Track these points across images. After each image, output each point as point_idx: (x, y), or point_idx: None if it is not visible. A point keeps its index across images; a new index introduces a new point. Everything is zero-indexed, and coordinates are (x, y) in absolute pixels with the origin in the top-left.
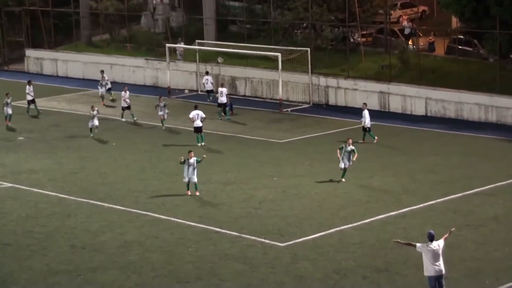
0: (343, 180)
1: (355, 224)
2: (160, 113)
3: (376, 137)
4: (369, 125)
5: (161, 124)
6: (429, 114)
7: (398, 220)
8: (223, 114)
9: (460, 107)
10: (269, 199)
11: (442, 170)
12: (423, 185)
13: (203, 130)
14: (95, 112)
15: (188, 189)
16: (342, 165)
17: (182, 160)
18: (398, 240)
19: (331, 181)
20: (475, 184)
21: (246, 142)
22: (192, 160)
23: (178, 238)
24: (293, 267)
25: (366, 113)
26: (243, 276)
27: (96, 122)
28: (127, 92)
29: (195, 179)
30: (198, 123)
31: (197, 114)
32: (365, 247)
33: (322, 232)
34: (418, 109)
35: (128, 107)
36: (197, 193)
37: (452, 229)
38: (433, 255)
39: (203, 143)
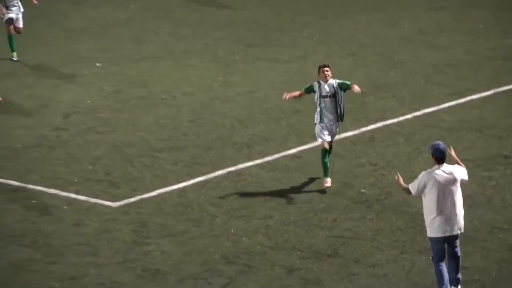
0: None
1: (264, 159)
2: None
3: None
4: None
5: None
6: None
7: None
8: None
9: None
10: (85, 109)
11: None
12: None
13: None
14: None
15: None
16: (321, 139)
17: None
18: (400, 179)
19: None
20: None
21: None
22: None
23: None
24: (137, 252)
25: None
26: (28, 272)
27: None
28: None
29: None
30: None
31: None
32: (284, 208)
33: (200, 177)
34: None
35: None
36: None
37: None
38: (445, 193)
39: None
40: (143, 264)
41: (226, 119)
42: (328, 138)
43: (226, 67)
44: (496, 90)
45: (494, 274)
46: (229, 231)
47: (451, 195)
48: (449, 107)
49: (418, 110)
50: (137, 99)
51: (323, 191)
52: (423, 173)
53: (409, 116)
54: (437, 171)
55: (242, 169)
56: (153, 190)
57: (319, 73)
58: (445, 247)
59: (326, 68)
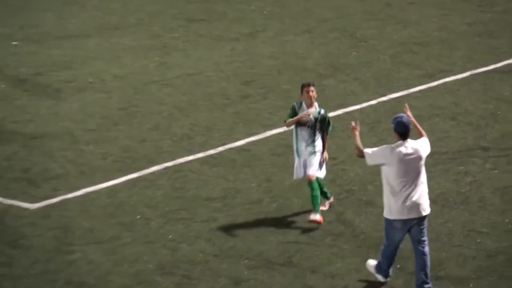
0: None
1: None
2: None
3: None
4: None
5: None
6: None
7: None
8: None
9: None
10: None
11: None
12: None
13: None
14: None
15: None
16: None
17: None
18: (356, 128)
19: None
20: None
21: None
22: None
23: None
24: (59, 261)
25: None
26: None
27: None
28: None
29: None
30: None
31: None
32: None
33: (133, 173)
34: None
35: None
36: None
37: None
38: (408, 172)
39: None
40: (66, 275)
41: (163, 106)
42: (309, 172)
43: (163, 46)
44: (473, 71)
45: (471, 285)
46: (166, 236)
47: (415, 174)
48: (420, 91)
49: (384, 95)
50: (60, 83)
51: (275, 189)
52: (385, 147)
53: (373, 102)
54: (401, 148)
55: (181, 164)
56: (78, 189)
57: (302, 93)
58: (403, 235)
59: (312, 88)
